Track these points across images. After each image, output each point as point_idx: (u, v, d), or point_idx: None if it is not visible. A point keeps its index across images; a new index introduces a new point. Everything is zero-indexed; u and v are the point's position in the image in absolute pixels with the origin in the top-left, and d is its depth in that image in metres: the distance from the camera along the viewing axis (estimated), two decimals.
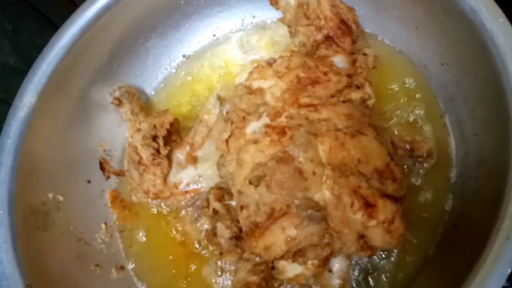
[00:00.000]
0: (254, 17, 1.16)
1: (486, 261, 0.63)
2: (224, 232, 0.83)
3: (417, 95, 0.95)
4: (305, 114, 0.80)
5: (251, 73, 0.89)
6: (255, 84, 0.86)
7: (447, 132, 0.91)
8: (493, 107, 0.79)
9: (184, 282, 0.94)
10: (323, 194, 0.75)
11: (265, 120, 0.81)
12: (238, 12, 1.17)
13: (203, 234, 0.95)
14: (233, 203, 0.86)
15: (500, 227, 0.64)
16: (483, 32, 0.77)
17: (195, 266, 0.94)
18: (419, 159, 0.90)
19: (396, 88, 0.97)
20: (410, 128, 0.93)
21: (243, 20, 1.17)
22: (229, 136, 0.83)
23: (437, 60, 0.92)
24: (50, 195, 0.93)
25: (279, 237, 0.76)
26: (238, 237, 0.84)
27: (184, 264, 0.96)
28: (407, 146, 0.90)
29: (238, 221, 0.83)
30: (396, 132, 0.93)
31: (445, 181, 0.88)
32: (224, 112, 0.89)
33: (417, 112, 0.94)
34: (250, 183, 0.77)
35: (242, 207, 0.79)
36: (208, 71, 1.15)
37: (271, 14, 1.13)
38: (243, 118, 0.83)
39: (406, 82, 0.97)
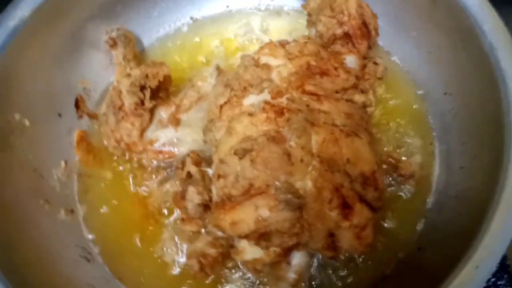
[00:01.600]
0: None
1: (452, 284, 0.63)
2: (194, 197, 0.79)
3: (413, 118, 0.96)
4: (307, 101, 0.79)
5: (261, 47, 0.87)
6: (264, 59, 0.84)
7: (434, 159, 0.92)
8: (486, 145, 0.80)
9: (136, 242, 0.89)
10: (305, 183, 0.74)
11: (266, 96, 0.79)
12: None
13: (166, 198, 0.91)
14: (210, 171, 0.82)
15: (472, 256, 0.65)
16: (496, 69, 0.78)
17: (150, 228, 0.90)
18: (399, 178, 0.90)
19: (395, 106, 0.97)
20: (399, 147, 0.93)
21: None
22: (225, 102, 0.80)
23: (441, 88, 0.93)
24: (17, 116, 0.87)
25: (250, 215, 0.73)
26: (206, 206, 0.81)
27: (139, 224, 0.91)
28: (393, 162, 0.90)
29: (210, 191, 0.80)
30: (384, 147, 0.93)
31: (420, 205, 0.88)
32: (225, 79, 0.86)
33: (409, 134, 0.94)
34: (235, 153, 0.75)
35: (219, 176, 0.76)
36: (212, 40, 1.11)
37: (290, 1, 1.12)
38: (244, 88, 0.80)
39: (406, 102, 0.97)
